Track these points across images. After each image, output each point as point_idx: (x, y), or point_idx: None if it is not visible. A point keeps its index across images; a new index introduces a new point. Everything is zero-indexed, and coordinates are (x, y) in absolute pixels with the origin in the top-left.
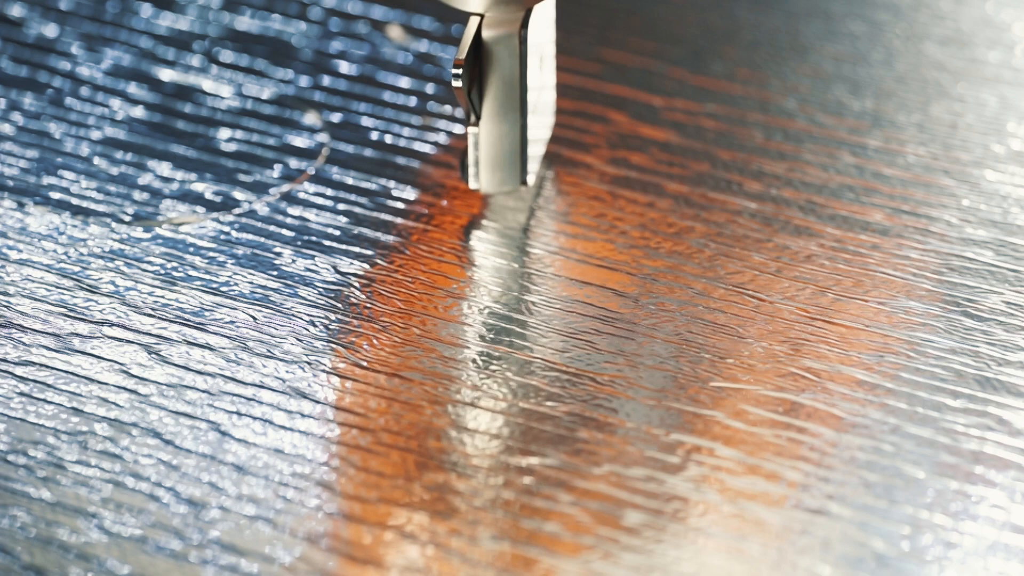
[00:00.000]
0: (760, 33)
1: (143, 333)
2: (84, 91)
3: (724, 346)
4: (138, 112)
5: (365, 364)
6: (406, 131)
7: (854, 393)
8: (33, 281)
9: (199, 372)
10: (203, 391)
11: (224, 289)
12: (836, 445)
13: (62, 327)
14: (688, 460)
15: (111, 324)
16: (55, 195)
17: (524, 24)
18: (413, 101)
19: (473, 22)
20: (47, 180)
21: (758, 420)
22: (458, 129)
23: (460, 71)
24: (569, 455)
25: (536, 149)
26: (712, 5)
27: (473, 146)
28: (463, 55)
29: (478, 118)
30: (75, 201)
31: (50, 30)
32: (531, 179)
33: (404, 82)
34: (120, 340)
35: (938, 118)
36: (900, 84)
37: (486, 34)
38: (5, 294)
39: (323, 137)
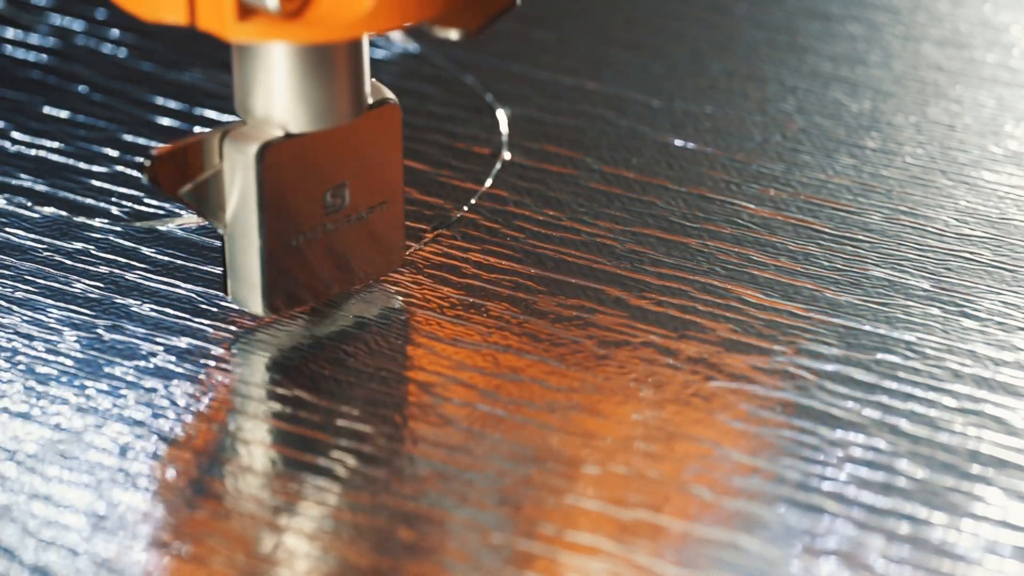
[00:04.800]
0: (759, 33)
1: (144, 332)
2: (84, 90)
3: (722, 346)
4: (138, 111)
5: (367, 360)
6: (406, 131)
7: (852, 392)
8: (32, 279)
9: (201, 371)
10: (205, 390)
11: None
12: (833, 444)
13: (62, 325)
14: (686, 459)
15: (111, 323)
16: (55, 193)
17: (269, 145)
18: (412, 101)
19: (232, 122)
20: (47, 178)
21: (756, 419)
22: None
23: (150, 163)
24: (572, 449)
25: (307, 290)
26: (712, 5)
27: (223, 250)
28: (165, 150)
29: (221, 224)
30: (75, 200)
31: (50, 29)
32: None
33: (404, 82)
34: (120, 339)
35: (936, 119)
36: (898, 85)
37: (228, 138)
38: (4, 292)
39: None
